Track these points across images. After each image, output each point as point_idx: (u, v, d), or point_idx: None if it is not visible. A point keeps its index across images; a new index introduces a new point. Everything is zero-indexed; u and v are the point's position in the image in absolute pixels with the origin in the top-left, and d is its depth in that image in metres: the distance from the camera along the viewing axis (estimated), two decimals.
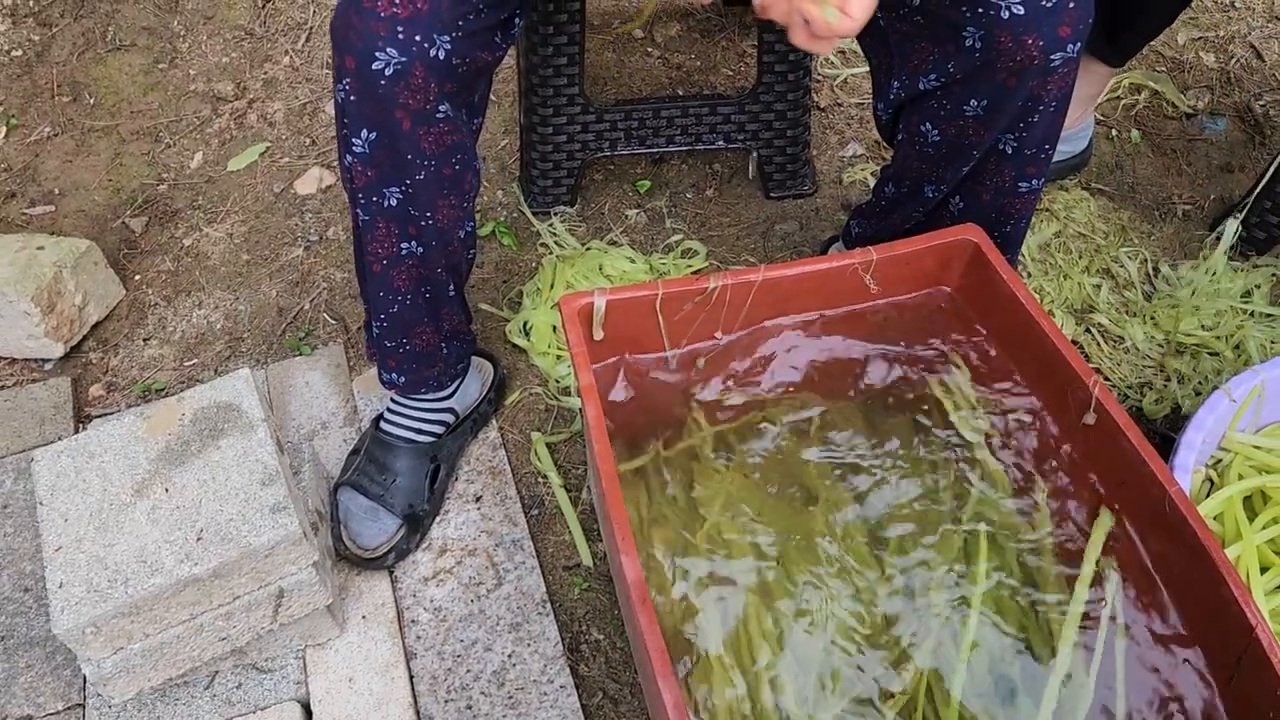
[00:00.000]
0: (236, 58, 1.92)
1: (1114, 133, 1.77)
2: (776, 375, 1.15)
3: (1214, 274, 1.56)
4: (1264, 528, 1.17)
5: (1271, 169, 1.52)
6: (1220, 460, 1.26)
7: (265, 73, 1.89)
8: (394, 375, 1.23)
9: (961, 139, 1.13)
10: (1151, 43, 1.90)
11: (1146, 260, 1.59)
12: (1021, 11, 1.00)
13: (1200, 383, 1.44)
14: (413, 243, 1.09)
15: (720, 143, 1.56)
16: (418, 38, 0.95)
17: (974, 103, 1.08)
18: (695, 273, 1.54)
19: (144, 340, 1.50)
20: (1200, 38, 1.93)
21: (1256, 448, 1.25)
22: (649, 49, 1.88)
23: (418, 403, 1.27)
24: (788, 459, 1.10)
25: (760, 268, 1.07)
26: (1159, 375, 1.46)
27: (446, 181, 1.07)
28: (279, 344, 1.49)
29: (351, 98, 0.99)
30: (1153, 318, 1.52)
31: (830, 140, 1.75)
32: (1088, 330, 1.50)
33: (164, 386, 1.44)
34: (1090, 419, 1.01)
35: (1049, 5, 1.00)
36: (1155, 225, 1.64)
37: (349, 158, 1.04)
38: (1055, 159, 1.64)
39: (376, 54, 0.95)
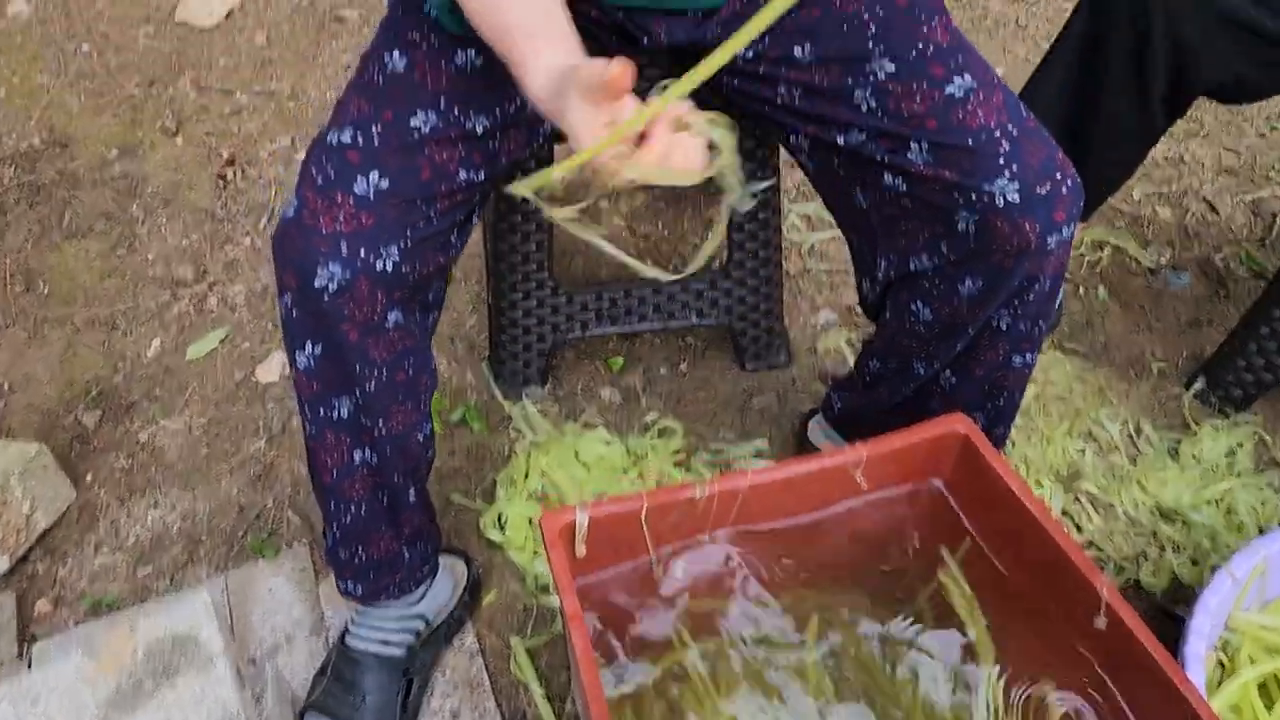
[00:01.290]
0: (197, 240, 1.89)
1: (1082, 290, 1.78)
2: (768, 579, 1.10)
3: (1195, 436, 1.55)
4: None
5: (1240, 325, 1.53)
6: (1228, 642, 1.22)
7: (226, 255, 1.86)
8: (351, 585, 1.16)
9: (955, 318, 1.11)
10: (1109, 199, 1.94)
11: (1128, 422, 1.57)
12: (1017, 200, 0.99)
13: (1195, 550, 1.40)
14: (366, 451, 1.05)
15: (693, 319, 1.54)
16: (363, 251, 0.93)
17: (969, 283, 1.06)
18: (674, 453, 1.49)
19: (95, 547, 1.42)
20: (1155, 192, 1.96)
21: (1264, 627, 1.21)
22: (615, 219, 1.88)
23: (383, 612, 1.20)
24: (782, 668, 1.04)
25: (748, 472, 1.03)
26: (1153, 544, 1.42)
27: (400, 387, 1.03)
28: (240, 546, 1.41)
29: (294, 312, 0.96)
30: (1140, 483, 1.49)
31: (802, 307, 1.74)
32: (1076, 499, 1.47)
33: (115, 600, 1.35)
34: (1101, 623, 0.97)
35: (1044, 192, 0.99)
36: (1131, 384, 1.63)
37: (294, 370, 1.00)
38: None
39: (318, 270, 0.92)
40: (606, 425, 1.53)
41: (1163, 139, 2.02)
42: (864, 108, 1.05)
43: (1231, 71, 1.29)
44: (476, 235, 1.67)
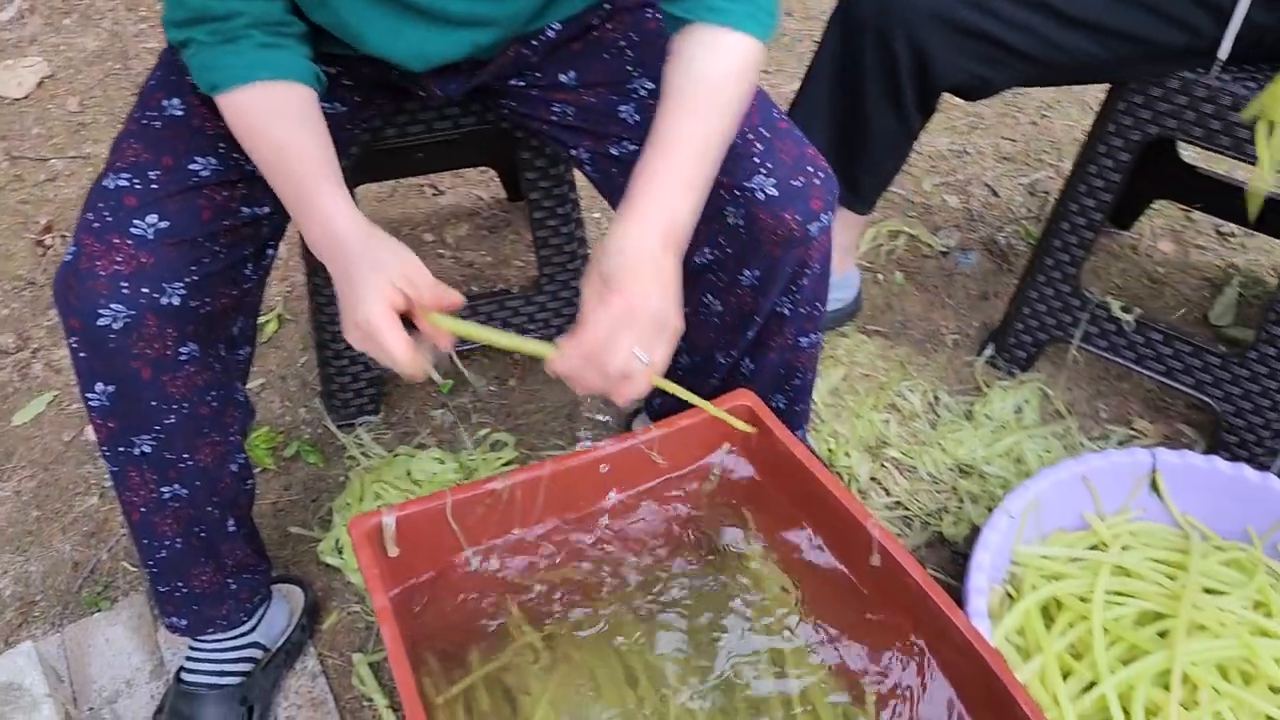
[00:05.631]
0: (18, 308, 1.87)
1: (880, 277, 1.91)
2: (584, 561, 1.16)
3: (987, 397, 1.68)
4: (1061, 634, 1.24)
5: (1018, 294, 1.68)
6: (1015, 575, 1.33)
7: (49, 319, 1.85)
8: (177, 619, 1.18)
9: (743, 307, 1.20)
10: (901, 191, 2.09)
11: (927, 391, 1.70)
12: (775, 193, 1.09)
13: (990, 500, 1.53)
14: (175, 486, 1.06)
15: None
16: (144, 289, 0.95)
17: (748, 273, 1.16)
18: (506, 464, 1.55)
19: None
20: (942, 182, 2.13)
21: (1045, 558, 1.34)
22: (440, 251, 1.94)
23: (216, 643, 1.22)
24: (613, 645, 1.10)
25: (547, 462, 1.10)
26: (953, 498, 1.54)
27: (205, 421, 1.05)
28: (76, 602, 1.41)
29: (81, 354, 0.97)
30: (940, 444, 1.62)
31: None
32: (883, 465, 1.58)
33: None
34: (876, 560, 1.06)
35: (799, 185, 1.10)
36: (929, 357, 1.77)
37: (89, 412, 1.01)
38: (830, 308, 1.76)
39: (100, 310, 0.93)
40: (439, 444, 1.59)
41: (946, 133, 2.20)
42: (630, 121, 1.14)
43: (967, 72, 1.44)
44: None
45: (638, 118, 1.13)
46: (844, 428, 1.63)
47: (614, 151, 1.16)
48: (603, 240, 0.95)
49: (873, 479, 1.57)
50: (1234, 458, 1.51)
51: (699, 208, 0.98)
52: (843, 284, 1.76)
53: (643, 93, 1.13)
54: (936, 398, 1.70)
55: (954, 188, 2.12)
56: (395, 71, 1.13)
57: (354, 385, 1.59)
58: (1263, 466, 1.51)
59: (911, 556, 1.04)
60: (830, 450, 1.59)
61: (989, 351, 1.75)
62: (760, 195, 1.09)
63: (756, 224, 1.10)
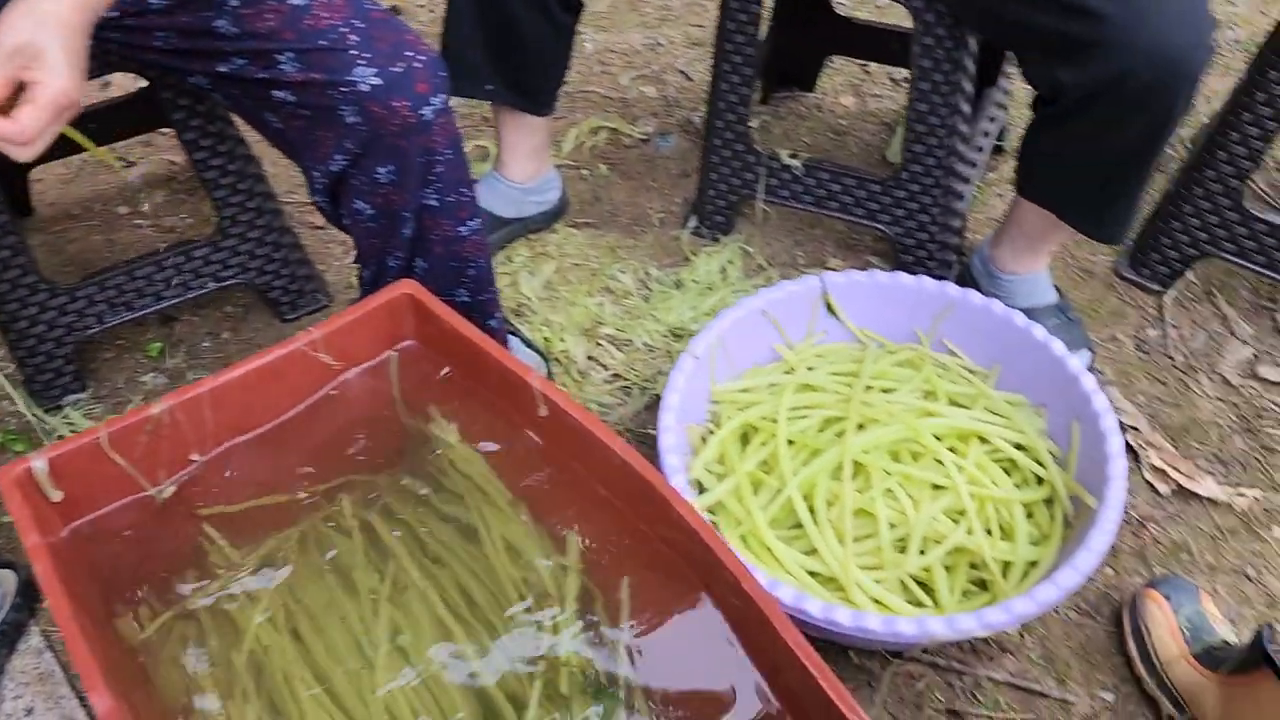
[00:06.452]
0: None
1: (585, 172, 1.97)
2: (280, 476, 1.17)
3: (693, 265, 1.77)
4: (755, 454, 1.32)
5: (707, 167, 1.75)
6: (716, 413, 1.42)
7: None
8: None
9: (390, 206, 1.22)
10: (599, 89, 2.15)
11: (638, 269, 1.77)
12: (380, 82, 1.11)
13: None
14: None
15: (211, 285, 1.58)
16: None
17: (383, 170, 1.18)
18: None
19: None
20: (638, 75, 2.19)
21: (742, 391, 1.42)
22: (138, 221, 1.88)
23: None
24: (325, 558, 1.11)
25: (205, 379, 1.10)
26: (668, 361, 1.62)
27: None
28: None
29: None
30: (653, 315, 1.69)
31: (335, 252, 1.82)
32: (599, 344, 1.65)
33: None
34: (544, 411, 1.11)
35: (400, 70, 1.12)
36: (638, 238, 1.84)
37: None
38: (535, 211, 1.80)
39: None
40: None
41: (638, 29, 2.26)
42: (228, 34, 1.14)
43: None
44: None
45: (235, 29, 1.13)
46: (559, 316, 1.69)
47: (224, 69, 1.16)
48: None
49: (590, 358, 1.63)
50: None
51: None
52: (542, 187, 1.80)
53: (234, 2, 1.12)
54: (648, 273, 1.77)
55: (649, 78, 2.18)
56: None
57: (50, 365, 1.53)
58: (940, 278, 1.65)
59: (577, 404, 1.10)
60: (546, 339, 1.64)
61: (692, 223, 1.83)
62: (365, 87, 1.11)
63: (371, 117, 1.12)
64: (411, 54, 1.14)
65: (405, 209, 1.23)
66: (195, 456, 1.14)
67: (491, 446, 1.17)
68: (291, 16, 1.12)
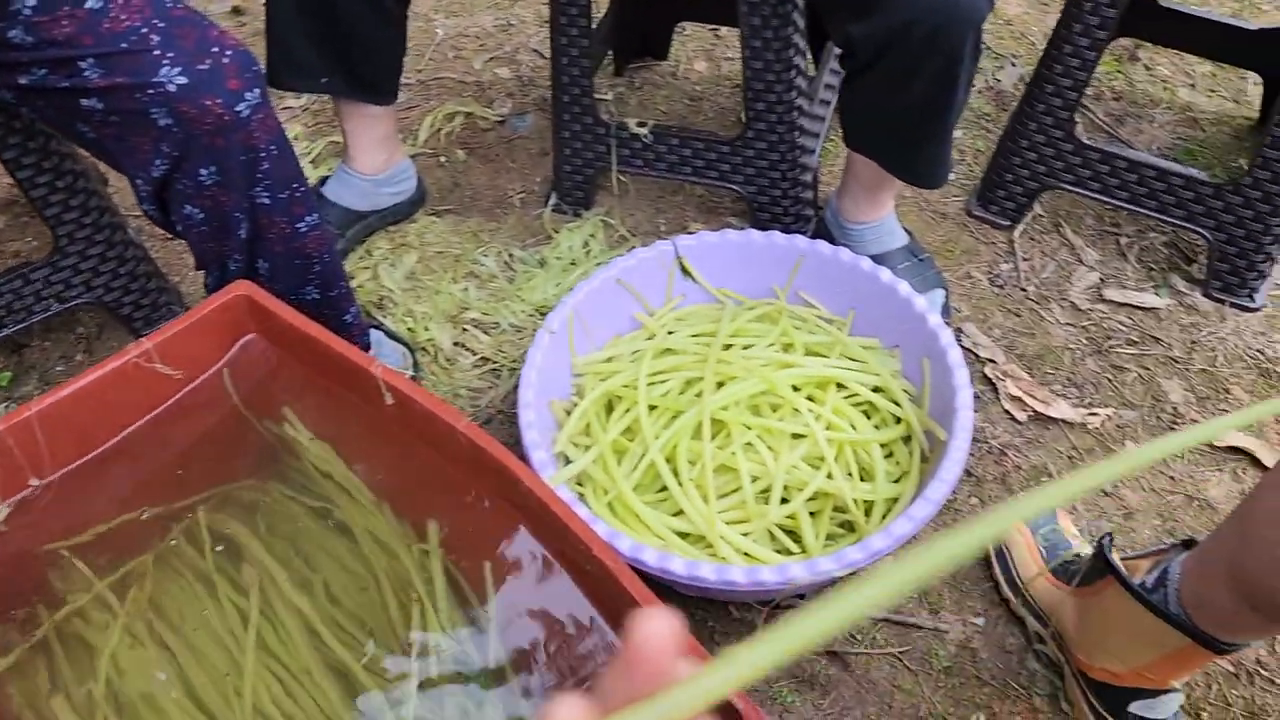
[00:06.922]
0: None
1: (443, 159, 1.95)
2: (133, 494, 1.14)
3: (555, 242, 1.76)
4: (617, 423, 1.33)
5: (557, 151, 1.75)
6: (581, 387, 1.42)
7: None
8: None
9: (220, 208, 1.20)
10: (453, 75, 2.12)
11: (501, 252, 1.76)
12: (186, 80, 1.08)
13: None
14: None
15: (55, 306, 1.53)
16: None
17: (205, 172, 1.15)
18: None
19: None
20: (492, 58, 2.17)
21: (605, 362, 1.43)
22: None
23: None
24: (180, 567, 1.09)
25: (33, 401, 1.07)
26: None
27: None
28: None
29: None
30: (518, 295, 1.69)
31: (189, 261, 1.77)
32: (465, 329, 1.64)
33: None
34: (389, 399, 1.10)
35: (206, 67, 1.10)
36: (500, 221, 1.83)
37: None
38: (390, 202, 1.78)
39: None
40: None
41: (490, 10, 2.24)
42: (24, 44, 1.10)
43: None
44: None
45: (30, 38, 1.09)
46: (423, 305, 1.67)
47: (24, 81, 1.12)
48: None
49: (457, 344, 1.62)
50: None
51: None
52: (394, 177, 1.77)
53: (26, 12, 1.08)
54: (511, 255, 1.76)
55: (503, 59, 2.17)
56: None
57: None
58: (800, 233, 1.67)
59: (421, 389, 1.09)
60: (410, 330, 1.63)
61: (553, 201, 1.83)
62: (172, 87, 1.08)
63: (183, 118, 1.10)
64: (218, 50, 1.11)
65: (236, 210, 1.21)
66: (34, 481, 1.10)
67: (345, 441, 1.16)
68: (89, 21, 1.09)
